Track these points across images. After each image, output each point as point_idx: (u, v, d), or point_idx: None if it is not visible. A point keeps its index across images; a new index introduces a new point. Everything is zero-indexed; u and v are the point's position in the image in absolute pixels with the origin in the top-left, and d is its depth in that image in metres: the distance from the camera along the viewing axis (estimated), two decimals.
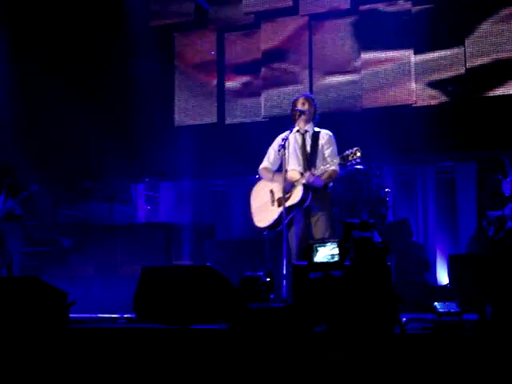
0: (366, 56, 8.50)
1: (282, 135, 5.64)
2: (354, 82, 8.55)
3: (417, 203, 8.47)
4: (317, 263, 4.42)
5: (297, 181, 5.49)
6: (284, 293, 4.97)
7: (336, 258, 4.38)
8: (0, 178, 7.12)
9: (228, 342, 4.03)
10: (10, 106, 9.20)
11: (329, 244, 4.43)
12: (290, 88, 8.85)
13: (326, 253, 4.42)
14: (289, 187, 5.48)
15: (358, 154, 5.28)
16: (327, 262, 4.39)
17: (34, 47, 9.49)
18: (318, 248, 4.44)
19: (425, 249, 7.81)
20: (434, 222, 8.32)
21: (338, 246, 4.39)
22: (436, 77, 8.21)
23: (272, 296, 4.97)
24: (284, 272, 5.05)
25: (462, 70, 8.07)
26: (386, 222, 7.44)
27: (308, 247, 4.47)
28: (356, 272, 3.93)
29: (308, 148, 5.67)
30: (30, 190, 6.99)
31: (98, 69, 9.54)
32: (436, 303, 4.65)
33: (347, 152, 5.35)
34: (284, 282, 5.01)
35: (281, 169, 5.50)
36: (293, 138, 5.70)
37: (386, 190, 7.49)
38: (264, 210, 5.68)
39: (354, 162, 5.32)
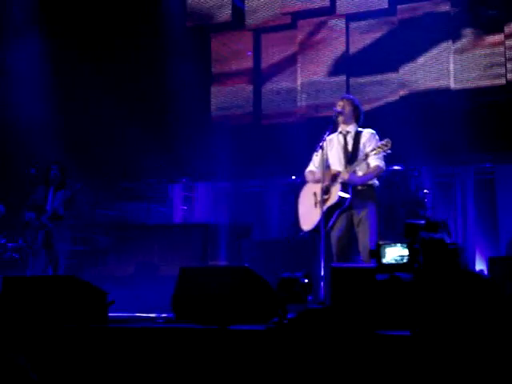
0: (405, 55, 8.42)
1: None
2: (390, 83, 8.48)
3: (456, 204, 8.35)
4: (385, 265, 4.29)
5: (335, 180, 5.48)
6: (322, 294, 4.95)
7: (405, 260, 4.24)
8: (50, 173, 7.19)
9: (268, 342, 4.03)
10: (48, 107, 9.33)
11: (398, 245, 4.29)
12: (327, 87, 8.82)
13: (395, 254, 4.28)
14: (328, 187, 5.48)
15: (389, 145, 5.30)
16: (396, 264, 4.25)
17: (72, 47, 9.61)
18: (387, 249, 4.30)
19: (464, 251, 7.69)
20: (474, 224, 8.20)
21: (407, 247, 4.23)
22: (475, 76, 8.08)
23: (310, 298, 4.94)
24: (322, 273, 5.03)
25: (502, 71, 7.93)
26: None
27: (376, 248, 4.36)
28: (428, 275, 3.79)
29: (349, 147, 5.67)
30: (73, 188, 7.05)
31: (136, 69, 9.63)
32: None
33: (378, 143, 5.43)
34: (322, 283, 5.00)
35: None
36: (336, 139, 5.76)
37: (425, 191, 7.41)
38: (308, 213, 5.69)
39: (385, 154, 5.35)
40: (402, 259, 4.25)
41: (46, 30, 9.52)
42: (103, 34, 9.72)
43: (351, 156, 5.62)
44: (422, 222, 4.28)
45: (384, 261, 4.30)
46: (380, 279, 4.23)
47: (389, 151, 5.33)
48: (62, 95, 9.49)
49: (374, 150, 5.39)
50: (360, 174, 5.56)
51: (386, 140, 5.36)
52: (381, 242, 4.42)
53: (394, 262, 4.26)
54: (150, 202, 9.50)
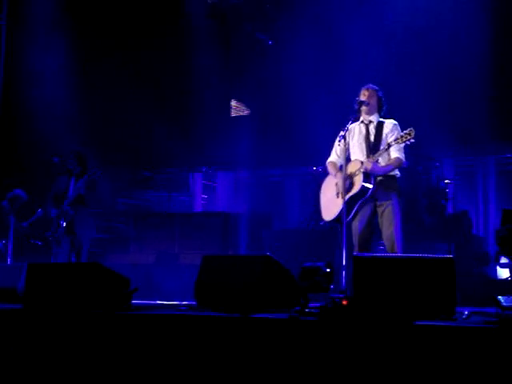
0: None
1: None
2: None
3: (477, 195, 8.32)
4: None
5: (357, 170, 5.46)
6: (343, 283, 4.96)
7: None
8: (72, 166, 7.26)
9: (290, 331, 4.06)
10: (71, 96, 9.40)
11: None
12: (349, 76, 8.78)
13: None
14: (351, 177, 5.46)
15: (412, 134, 5.26)
16: None
17: (94, 37, 9.67)
18: None
19: (485, 242, 7.66)
20: (495, 215, 8.17)
21: None
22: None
23: (332, 286, 4.95)
24: (343, 263, 5.03)
25: None
26: (446, 214, 7.33)
27: (509, 233, 4.10)
28: None
29: (372, 138, 5.64)
30: (93, 173, 7.09)
31: (157, 59, 9.66)
32: (500, 297, 4.54)
33: (401, 133, 5.37)
34: (343, 272, 5.00)
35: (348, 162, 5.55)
36: (357, 128, 5.71)
37: (446, 181, 7.38)
38: (330, 203, 5.66)
39: (408, 143, 5.30)
40: None
41: (70, 22, 9.56)
42: (126, 24, 9.74)
43: (373, 146, 5.59)
44: None
45: None
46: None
47: (412, 140, 5.28)
48: (85, 86, 9.55)
49: (397, 139, 5.36)
50: (382, 164, 5.53)
51: (409, 129, 5.31)
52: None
53: None
54: (170, 190, 9.56)
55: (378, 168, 5.47)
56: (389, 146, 5.43)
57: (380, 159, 5.51)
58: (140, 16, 9.69)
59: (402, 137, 5.33)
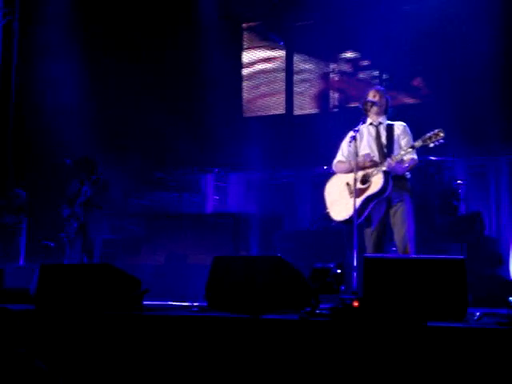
0: None
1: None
2: None
3: (489, 195, 8.26)
4: None
5: (375, 169, 5.41)
6: (354, 284, 4.95)
7: None
8: (85, 173, 7.29)
9: (300, 332, 4.06)
10: (83, 97, 9.44)
11: None
12: (359, 77, 8.77)
13: None
14: (367, 176, 5.42)
15: (442, 134, 5.16)
16: None
17: (107, 40, 9.73)
18: None
19: (498, 243, 7.61)
20: (508, 216, 8.11)
21: None
22: None
23: (343, 288, 4.94)
24: (354, 264, 5.02)
25: None
26: (458, 215, 7.29)
27: None
28: None
29: (383, 139, 5.59)
30: (96, 175, 7.13)
31: (169, 60, 9.69)
32: (511, 298, 4.52)
33: (429, 134, 5.23)
34: (354, 273, 4.99)
35: None
36: (366, 130, 5.65)
37: (458, 182, 7.34)
38: (342, 203, 5.59)
39: (437, 143, 5.20)
40: None
41: (83, 26, 9.60)
42: (138, 26, 9.78)
43: (386, 147, 5.55)
44: None
45: None
46: None
47: (442, 141, 5.20)
48: (97, 87, 9.59)
49: (425, 139, 5.26)
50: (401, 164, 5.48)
51: (437, 130, 5.22)
52: None
53: None
54: (182, 191, 9.57)
55: (399, 168, 5.42)
56: (412, 147, 5.36)
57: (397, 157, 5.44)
58: (152, 18, 9.72)
59: (430, 138, 5.23)
